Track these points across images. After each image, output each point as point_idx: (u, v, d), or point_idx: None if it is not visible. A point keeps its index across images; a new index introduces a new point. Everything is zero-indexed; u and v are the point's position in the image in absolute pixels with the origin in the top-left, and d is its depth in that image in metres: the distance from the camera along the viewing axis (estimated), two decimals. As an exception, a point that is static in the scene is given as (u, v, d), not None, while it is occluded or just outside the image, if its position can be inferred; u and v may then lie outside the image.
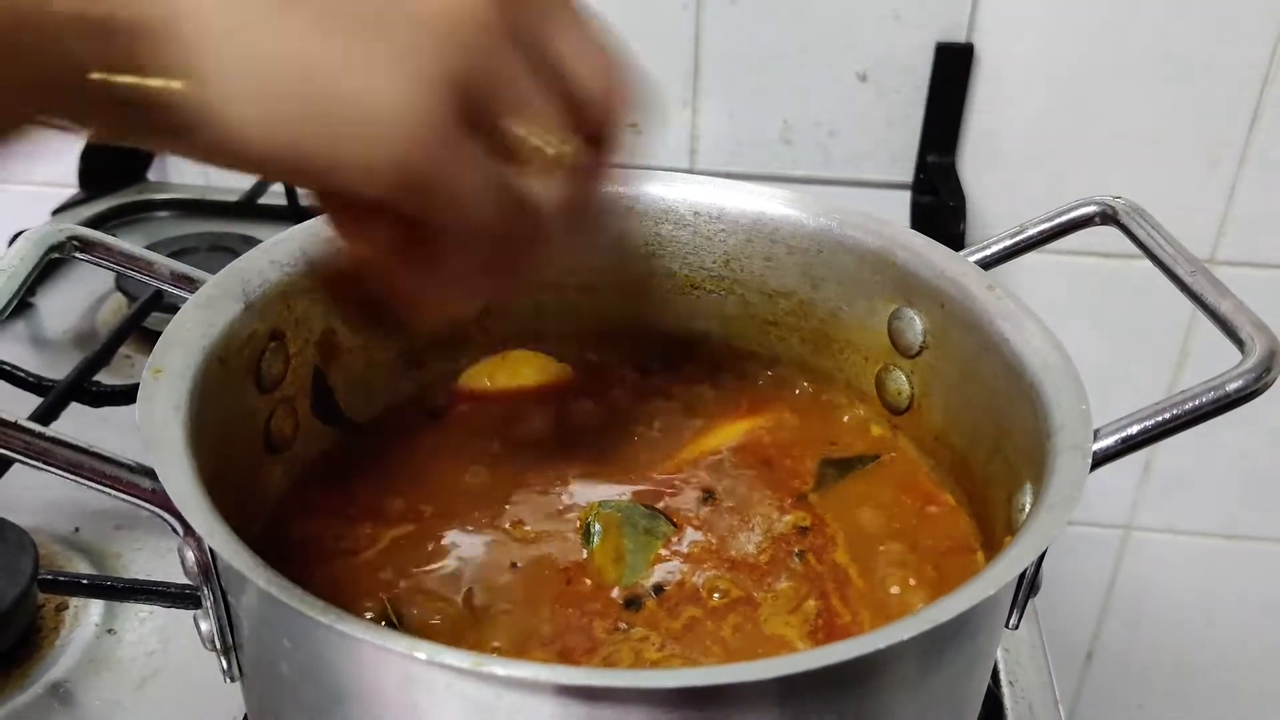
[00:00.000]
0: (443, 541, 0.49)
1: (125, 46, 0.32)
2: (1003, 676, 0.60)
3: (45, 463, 0.38)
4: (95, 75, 0.32)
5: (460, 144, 0.34)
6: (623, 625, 0.46)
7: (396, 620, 0.45)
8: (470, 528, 0.50)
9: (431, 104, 0.33)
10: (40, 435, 0.38)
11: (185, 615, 0.58)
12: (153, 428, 0.40)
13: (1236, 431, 1.04)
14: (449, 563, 0.48)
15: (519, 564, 0.48)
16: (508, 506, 0.51)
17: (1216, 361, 0.44)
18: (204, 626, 0.41)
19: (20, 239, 0.47)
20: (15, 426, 0.38)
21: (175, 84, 0.32)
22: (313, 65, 0.33)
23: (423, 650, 0.33)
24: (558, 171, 0.38)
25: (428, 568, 0.48)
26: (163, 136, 0.35)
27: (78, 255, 0.48)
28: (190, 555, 0.39)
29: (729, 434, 0.56)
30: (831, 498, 0.52)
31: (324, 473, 0.53)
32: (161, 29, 0.32)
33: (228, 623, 0.41)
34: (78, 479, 0.39)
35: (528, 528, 0.50)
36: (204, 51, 0.32)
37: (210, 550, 0.39)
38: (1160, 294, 0.51)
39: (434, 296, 0.41)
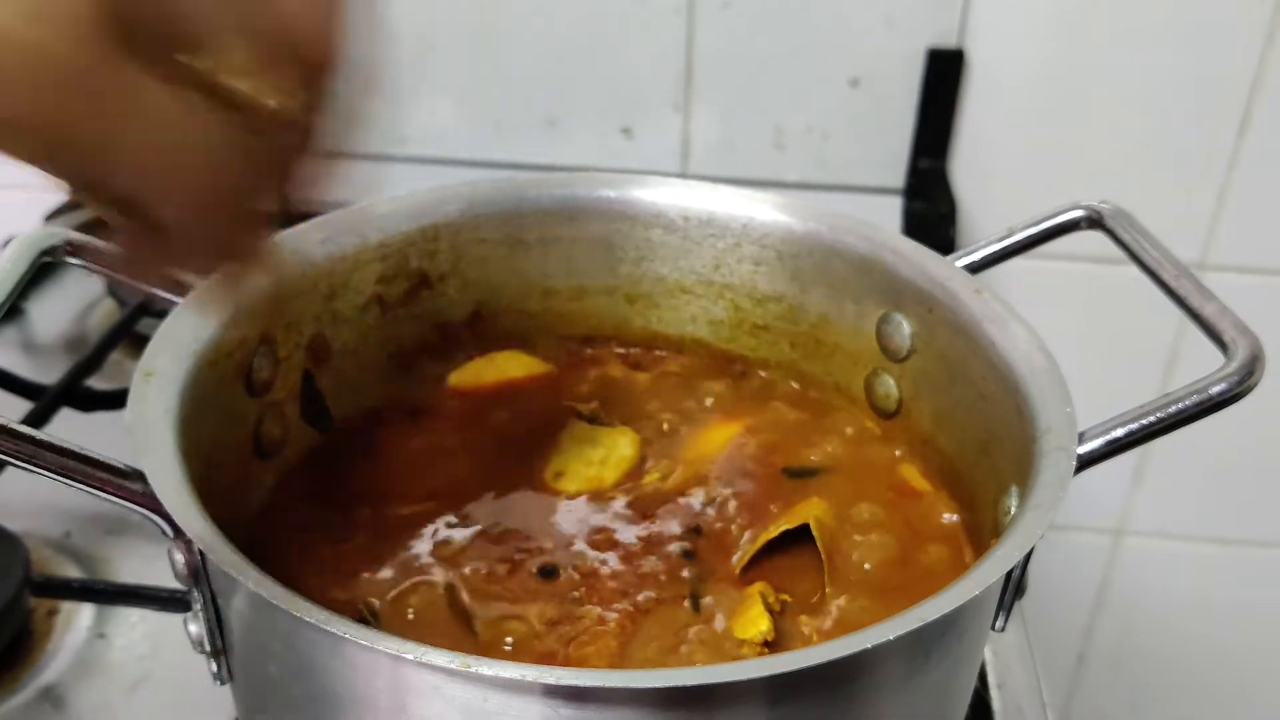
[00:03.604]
0: (427, 536, 0.49)
1: None
2: (991, 679, 0.60)
3: (36, 466, 0.38)
4: None
5: (124, 86, 0.27)
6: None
7: (372, 616, 0.45)
8: (454, 523, 0.50)
9: (75, 32, 0.26)
10: (31, 439, 0.38)
11: (176, 619, 0.57)
12: (143, 431, 0.41)
13: (1228, 436, 1.04)
14: (432, 557, 0.48)
15: (502, 561, 0.48)
16: (492, 503, 0.51)
17: (1208, 366, 0.44)
18: (194, 629, 0.41)
19: (12, 243, 0.47)
20: (7, 430, 0.38)
21: None
22: None
23: (411, 651, 0.33)
24: (276, 128, 0.31)
25: (411, 562, 0.48)
26: None
27: (69, 260, 0.48)
28: (180, 558, 0.39)
29: (719, 438, 0.56)
30: (816, 508, 0.52)
31: (310, 464, 0.53)
32: None
33: (217, 625, 0.41)
34: (68, 482, 0.39)
35: (511, 525, 0.50)
36: None
37: (200, 553, 0.39)
38: (1150, 298, 0.51)
39: (163, 268, 0.37)
